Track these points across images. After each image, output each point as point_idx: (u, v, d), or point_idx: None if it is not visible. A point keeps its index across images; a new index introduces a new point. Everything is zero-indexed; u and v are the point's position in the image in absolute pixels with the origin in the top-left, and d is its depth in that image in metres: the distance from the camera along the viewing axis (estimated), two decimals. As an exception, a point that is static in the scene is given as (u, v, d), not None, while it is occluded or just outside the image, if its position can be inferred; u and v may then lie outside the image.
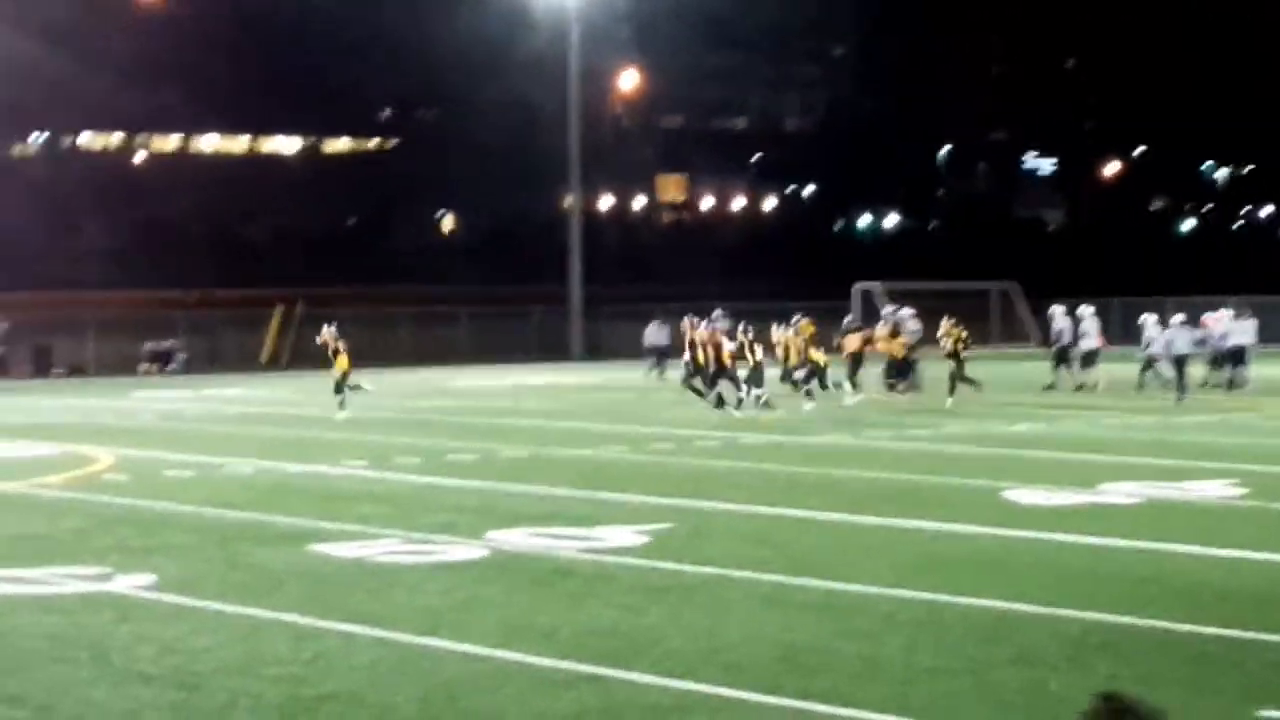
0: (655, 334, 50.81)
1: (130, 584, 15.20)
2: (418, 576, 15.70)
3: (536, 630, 13.06)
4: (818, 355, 38.00)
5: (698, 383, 36.70)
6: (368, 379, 38.97)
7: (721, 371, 36.20)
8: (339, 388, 36.38)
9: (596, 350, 65.73)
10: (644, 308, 56.64)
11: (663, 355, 49.16)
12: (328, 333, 37.02)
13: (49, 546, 17.61)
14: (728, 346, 36.26)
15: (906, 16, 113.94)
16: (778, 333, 38.83)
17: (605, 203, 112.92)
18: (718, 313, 39.70)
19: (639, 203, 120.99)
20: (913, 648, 12.48)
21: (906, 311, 44.42)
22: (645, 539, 17.78)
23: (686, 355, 37.35)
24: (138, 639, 12.87)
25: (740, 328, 37.37)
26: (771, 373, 37.02)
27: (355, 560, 16.55)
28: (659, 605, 14.13)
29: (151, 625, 13.43)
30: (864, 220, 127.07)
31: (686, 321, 37.84)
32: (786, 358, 38.30)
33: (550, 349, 64.52)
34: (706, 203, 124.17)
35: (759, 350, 36.52)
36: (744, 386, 36.06)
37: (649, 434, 31.06)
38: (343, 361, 36.47)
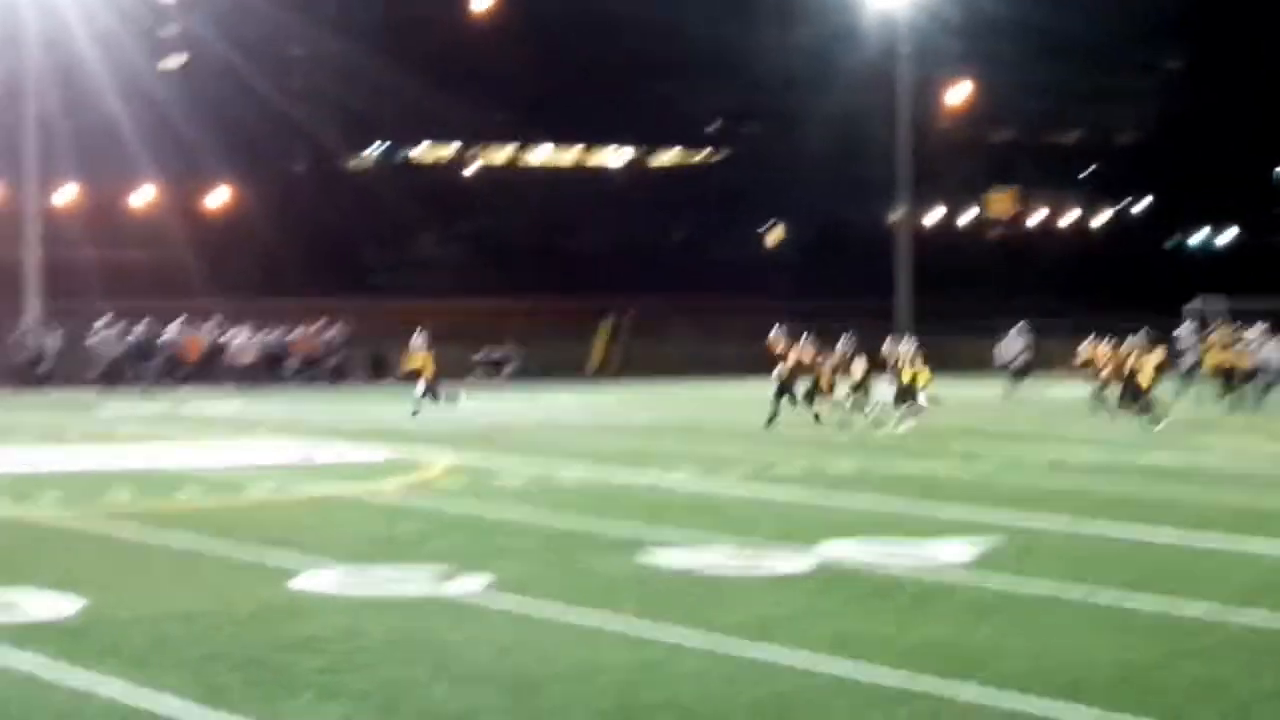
0: (1012, 345, 50.26)
1: (467, 587, 15.45)
2: (748, 587, 15.72)
3: (868, 643, 12.99)
4: (908, 373, 37.59)
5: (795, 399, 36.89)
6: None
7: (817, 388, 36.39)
8: (434, 394, 36.63)
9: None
10: (973, 322, 56.11)
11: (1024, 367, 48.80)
12: (418, 340, 37.50)
13: (389, 549, 17.99)
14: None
15: (1243, 25, 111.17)
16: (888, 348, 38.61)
17: (932, 216, 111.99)
18: (1020, 325, 39.42)
19: (967, 217, 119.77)
20: (1255, 671, 12.15)
21: (1257, 328, 43.81)
22: (976, 554, 17.59)
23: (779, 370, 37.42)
24: (474, 641, 13.07)
25: (842, 343, 37.37)
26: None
27: (686, 569, 16.62)
28: (991, 621, 13.97)
29: (487, 628, 13.62)
30: (1198, 236, 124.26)
31: (775, 334, 37.71)
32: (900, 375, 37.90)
33: (877, 363, 64.08)
34: (1036, 217, 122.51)
35: (860, 366, 36.53)
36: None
37: (977, 449, 30.75)
38: (428, 367, 36.82)
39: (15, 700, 11.22)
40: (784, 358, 37.02)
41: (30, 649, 12.59)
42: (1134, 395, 37.95)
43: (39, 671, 11.95)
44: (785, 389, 36.81)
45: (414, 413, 36.39)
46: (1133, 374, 37.77)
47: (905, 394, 37.07)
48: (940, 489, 24.09)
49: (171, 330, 54.52)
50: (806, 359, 37.19)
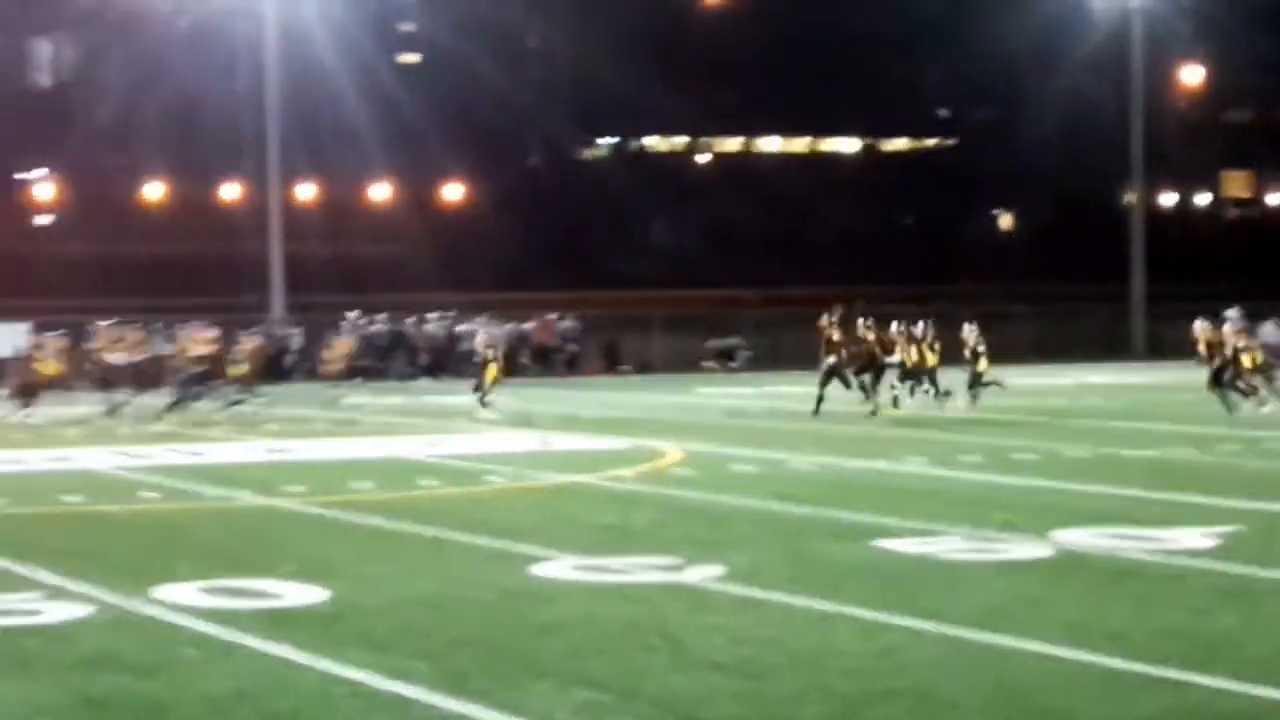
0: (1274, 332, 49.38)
1: (701, 575, 15.59)
2: (983, 574, 15.72)
3: (1105, 631, 12.93)
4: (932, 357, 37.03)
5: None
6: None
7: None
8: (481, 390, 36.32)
9: (1159, 349, 64.35)
10: (1207, 306, 54.96)
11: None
12: (481, 339, 37.27)
13: (624, 537, 18.20)
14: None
15: None
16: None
17: (1167, 199, 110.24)
18: (1233, 313, 38.45)
19: (1202, 199, 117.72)
20: None
21: None
22: (1215, 541, 17.39)
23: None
24: (709, 628, 13.20)
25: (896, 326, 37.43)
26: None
27: (919, 556, 16.64)
28: (1233, 609, 13.83)
29: (722, 616, 13.76)
30: None
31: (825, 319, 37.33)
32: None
33: (1111, 347, 63.39)
34: (1273, 199, 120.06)
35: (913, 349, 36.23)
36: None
37: (1215, 434, 30.32)
38: (493, 370, 36.47)
39: (268, 684, 11.57)
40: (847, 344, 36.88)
41: (282, 635, 12.96)
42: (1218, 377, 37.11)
43: (290, 656, 12.30)
44: (835, 373, 36.70)
45: (483, 403, 36.26)
46: (1235, 356, 36.88)
47: (911, 375, 37.11)
48: (1178, 475, 23.81)
49: (430, 323, 55.35)
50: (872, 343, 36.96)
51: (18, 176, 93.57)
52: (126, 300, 57.51)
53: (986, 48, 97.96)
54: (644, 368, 58.88)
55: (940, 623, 13.24)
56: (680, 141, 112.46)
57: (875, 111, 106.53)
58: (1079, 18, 74.50)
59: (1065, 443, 28.87)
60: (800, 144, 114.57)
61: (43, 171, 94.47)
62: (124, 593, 14.71)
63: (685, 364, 58.70)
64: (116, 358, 38.44)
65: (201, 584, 15.13)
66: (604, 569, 15.97)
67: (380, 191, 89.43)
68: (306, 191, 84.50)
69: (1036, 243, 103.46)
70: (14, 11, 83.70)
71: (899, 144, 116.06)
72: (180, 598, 14.49)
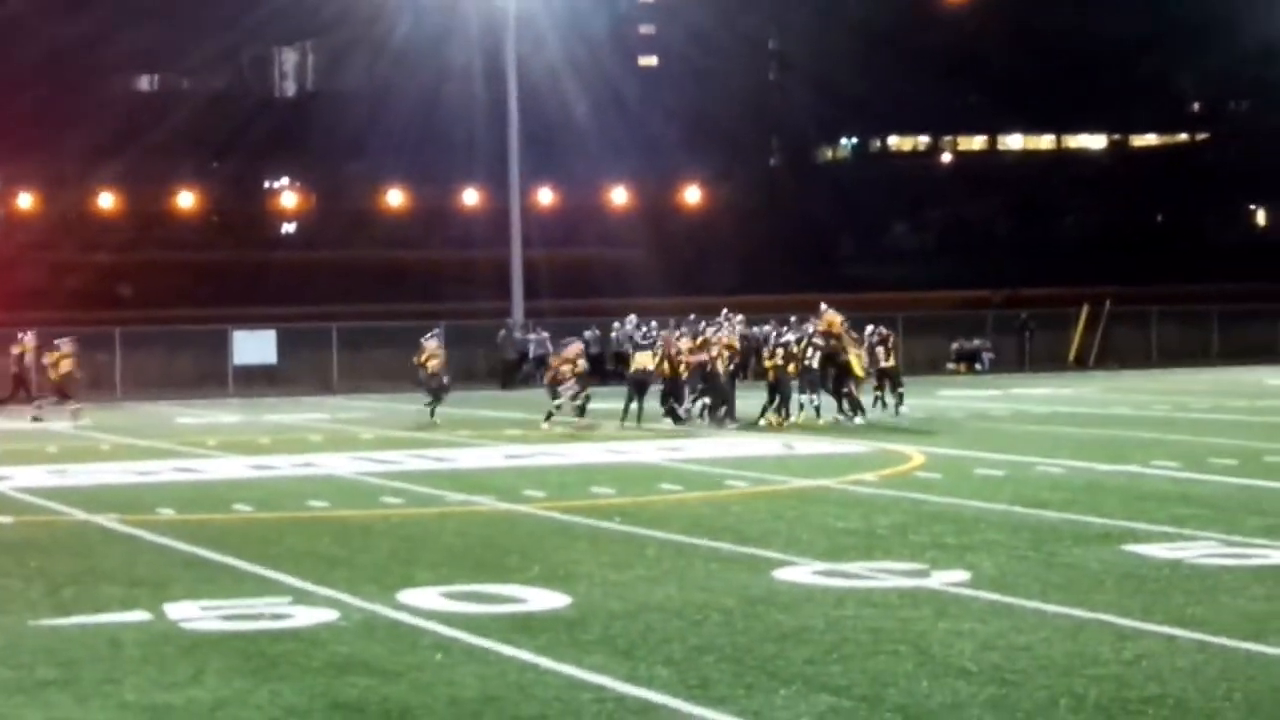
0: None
1: (947, 580, 15.38)
2: (1239, 580, 15.28)
3: (1368, 639, 12.53)
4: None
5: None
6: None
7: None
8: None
9: None
10: None
11: None
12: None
13: (868, 542, 18.01)
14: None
15: None
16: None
17: None
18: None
19: None
20: None
21: None
22: None
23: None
24: (956, 635, 13.01)
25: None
26: None
27: (1172, 562, 16.26)
28: None
29: (969, 621, 13.54)
30: None
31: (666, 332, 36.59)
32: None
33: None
34: None
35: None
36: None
37: None
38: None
39: (513, 688, 11.59)
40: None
41: (525, 640, 12.99)
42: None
43: (534, 661, 12.31)
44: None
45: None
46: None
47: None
48: None
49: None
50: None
51: (265, 185, 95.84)
52: (365, 306, 58.30)
53: (1240, 40, 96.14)
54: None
55: (1195, 630, 12.93)
56: (922, 141, 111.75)
57: (1123, 107, 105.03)
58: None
59: (1322, 444, 28.15)
60: (1045, 141, 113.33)
61: (285, 180, 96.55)
62: (369, 597, 14.84)
63: (928, 366, 58.15)
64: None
65: (445, 589, 15.22)
66: (847, 574, 15.80)
67: (618, 196, 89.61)
68: (544, 197, 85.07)
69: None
70: (260, 22, 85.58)
71: (1148, 140, 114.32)
72: (424, 602, 14.58)
